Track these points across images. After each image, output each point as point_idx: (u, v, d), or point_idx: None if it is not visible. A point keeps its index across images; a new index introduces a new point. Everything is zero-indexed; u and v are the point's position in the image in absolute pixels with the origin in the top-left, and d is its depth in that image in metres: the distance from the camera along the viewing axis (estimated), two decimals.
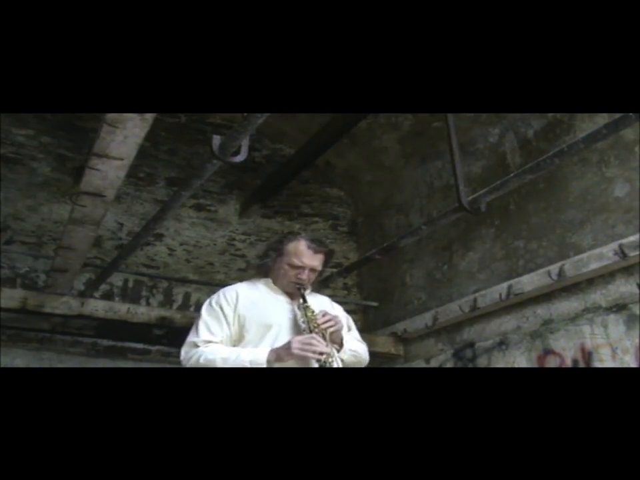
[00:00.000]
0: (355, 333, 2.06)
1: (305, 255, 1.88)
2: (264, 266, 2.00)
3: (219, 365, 1.71)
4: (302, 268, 1.88)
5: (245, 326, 1.84)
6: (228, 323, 1.84)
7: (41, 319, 3.90)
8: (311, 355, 1.68)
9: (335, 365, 1.72)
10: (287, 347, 1.71)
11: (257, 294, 1.93)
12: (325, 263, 1.96)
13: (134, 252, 3.58)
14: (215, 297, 1.92)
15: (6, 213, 4.21)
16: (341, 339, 1.87)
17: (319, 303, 2.00)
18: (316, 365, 1.72)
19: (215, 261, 4.87)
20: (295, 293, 1.90)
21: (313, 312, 1.83)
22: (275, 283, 1.95)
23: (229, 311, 1.85)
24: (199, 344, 1.81)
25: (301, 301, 1.86)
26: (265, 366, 1.69)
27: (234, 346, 1.86)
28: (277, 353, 1.72)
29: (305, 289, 1.89)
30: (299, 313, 1.88)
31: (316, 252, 1.90)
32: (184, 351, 1.85)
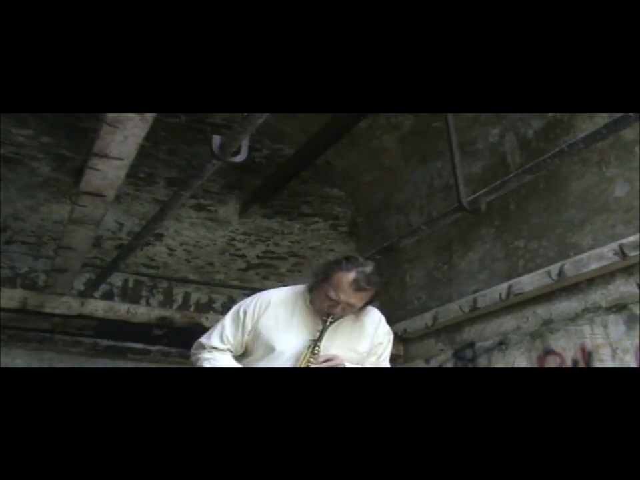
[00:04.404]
0: (383, 362, 1.98)
1: (345, 291, 1.77)
2: (312, 282, 1.91)
3: None
4: (337, 302, 1.79)
5: (255, 343, 1.88)
6: (243, 333, 1.88)
7: (40, 319, 3.90)
8: None
9: None
10: None
11: (288, 312, 1.90)
12: (369, 301, 1.86)
13: (134, 252, 3.58)
14: (245, 303, 1.93)
15: (6, 213, 4.21)
16: None
17: (366, 321, 1.94)
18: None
19: (215, 261, 4.87)
20: (322, 319, 1.84)
21: (316, 352, 1.78)
22: (312, 302, 1.89)
23: (249, 322, 1.87)
24: (206, 347, 1.89)
25: (318, 334, 1.81)
26: None
27: (242, 353, 1.92)
28: None
29: (331, 322, 1.82)
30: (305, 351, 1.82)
31: (358, 290, 1.77)
32: (193, 347, 1.95)
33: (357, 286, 1.76)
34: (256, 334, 1.87)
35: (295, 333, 1.86)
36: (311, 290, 1.91)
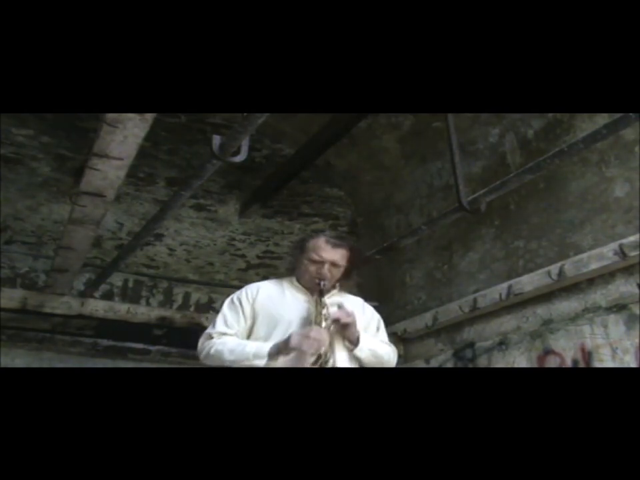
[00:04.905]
0: (382, 335, 2.04)
1: (323, 249, 1.89)
2: (291, 267, 2.04)
3: (227, 356, 1.78)
4: (321, 262, 1.88)
5: (257, 322, 1.90)
6: (245, 317, 1.91)
7: (40, 318, 3.90)
8: (306, 347, 1.70)
9: (332, 362, 1.73)
10: (287, 340, 1.75)
11: (278, 291, 1.98)
12: (351, 261, 1.96)
13: (134, 252, 3.59)
14: (237, 292, 1.99)
15: (6, 213, 4.22)
16: (357, 337, 1.85)
17: (350, 303, 2.00)
18: (313, 359, 1.72)
19: (215, 261, 4.88)
20: (315, 288, 1.91)
21: (324, 306, 1.84)
22: (298, 280, 1.98)
23: (246, 305, 1.92)
24: (213, 335, 1.88)
25: (317, 294, 1.87)
26: (266, 359, 1.74)
27: (247, 339, 1.92)
28: (278, 346, 1.76)
29: (325, 285, 1.89)
30: (312, 309, 1.88)
31: (335, 246, 1.90)
32: (200, 342, 1.93)
33: (332, 243, 1.90)
34: (255, 315, 1.90)
35: (292, 304, 1.91)
36: (293, 270, 2.01)
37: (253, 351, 1.76)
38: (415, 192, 4.53)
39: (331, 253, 1.89)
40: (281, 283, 2.03)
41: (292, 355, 1.74)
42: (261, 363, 1.74)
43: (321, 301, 1.86)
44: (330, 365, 1.72)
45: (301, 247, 1.97)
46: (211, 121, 4.70)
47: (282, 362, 1.76)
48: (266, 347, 1.77)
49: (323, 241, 1.91)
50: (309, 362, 1.74)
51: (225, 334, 1.87)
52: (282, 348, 1.75)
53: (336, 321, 1.80)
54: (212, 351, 1.82)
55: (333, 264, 1.90)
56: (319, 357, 1.71)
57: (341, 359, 1.82)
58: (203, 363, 1.88)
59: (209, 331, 1.92)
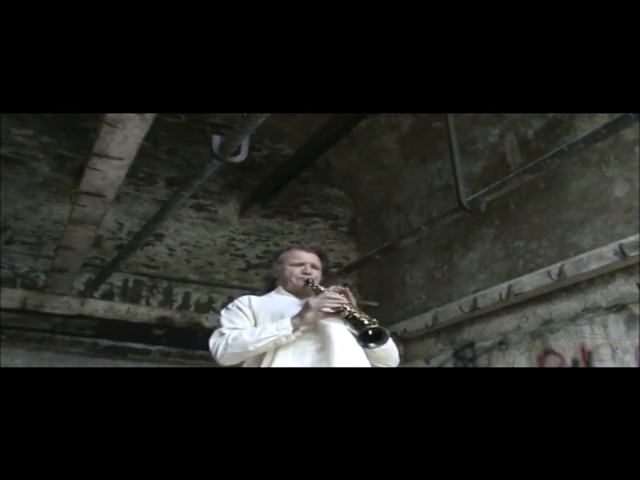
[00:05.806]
0: None
1: (301, 254, 2.06)
2: (270, 278, 2.16)
3: (247, 339, 1.79)
4: (303, 264, 2.03)
5: (259, 320, 1.93)
6: (247, 316, 1.95)
7: (40, 318, 3.90)
8: (328, 304, 1.77)
9: (357, 314, 1.75)
10: (306, 305, 1.80)
11: (269, 298, 2.07)
12: (324, 268, 2.11)
13: (134, 252, 3.58)
14: (230, 304, 2.05)
15: (6, 213, 4.21)
16: None
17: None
18: (335, 320, 1.78)
19: (215, 261, 4.87)
20: (304, 289, 1.99)
21: (325, 288, 1.94)
22: (285, 289, 2.07)
23: (245, 308, 1.97)
24: (225, 331, 1.89)
25: (310, 287, 1.96)
26: (290, 329, 1.77)
27: None
28: (299, 315, 1.80)
29: (312, 280, 1.99)
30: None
31: (308, 251, 2.09)
32: (212, 342, 1.91)
33: (305, 249, 2.10)
34: (256, 315, 1.94)
35: (285, 305, 1.96)
36: (276, 283, 2.10)
37: (275, 326, 1.79)
38: (415, 192, 4.53)
39: (307, 256, 2.06)
40: (267, 294, 2.10)
41: (314, 319, 1.79)
42: (288, 332, 1.77)
43: (317, 287, 1.93)
44: (357, 315, 1.74)
45: (278, 261, 2.10)
46: (211, 121, 4.70)
47: (305, 329, 1.80)
48: (286, 319, 1.80)
49: (296, 249, 2.10)
50: (332, 319, 1.80)
51: (235, 328, 1.89)
52: (303, 314, 1.79)
53: (342, 291, 1.86)
54: (230, 340, 1.81)
55: (312, 265, 2.04)
56: (342, 310, 1.75)
57: (348, 340, 1.83)
58: (218, 362, 1.85)
59: (218, 330, 1.93)
